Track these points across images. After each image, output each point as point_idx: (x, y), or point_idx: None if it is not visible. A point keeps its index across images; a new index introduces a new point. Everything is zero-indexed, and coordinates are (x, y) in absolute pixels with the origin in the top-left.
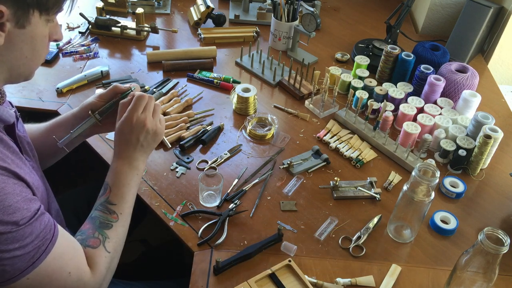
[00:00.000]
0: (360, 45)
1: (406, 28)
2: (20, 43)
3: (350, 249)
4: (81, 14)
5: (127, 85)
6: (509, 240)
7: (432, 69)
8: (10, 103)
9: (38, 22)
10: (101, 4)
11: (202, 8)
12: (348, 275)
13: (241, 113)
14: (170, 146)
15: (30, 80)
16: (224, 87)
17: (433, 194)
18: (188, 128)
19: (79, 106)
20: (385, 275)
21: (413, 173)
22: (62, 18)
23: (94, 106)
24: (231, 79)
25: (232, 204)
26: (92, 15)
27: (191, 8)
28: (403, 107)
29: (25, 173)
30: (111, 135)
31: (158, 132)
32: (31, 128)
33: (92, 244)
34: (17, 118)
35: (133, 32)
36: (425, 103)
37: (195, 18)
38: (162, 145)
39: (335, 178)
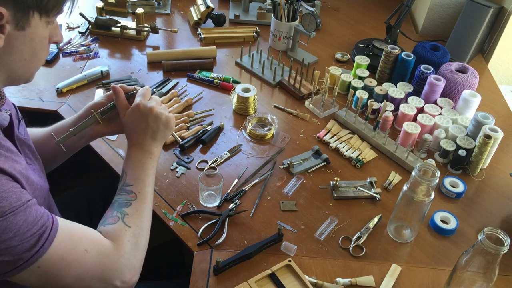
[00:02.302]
0: (360, 45)
1: (406, 28)
2: (20, 45)
3: (350, 249)
4: (81, 14)
5: (132, 87)
6: (509, 240)
7: (432, 69)
8: (14, 105)
9: (38, 24)
10: (101, 4)
11: (202, 8)
12: (348, 275)
13: (241, 113)
14: (180, 140)
15: None
16: (224, 87)
17: (433, 194)
18: (188, 128)
19: (84, 107)
20: (385, 275)
21: (413, 173)
22: (62, 18)
23: (99, 106)
24: (231, 79)
25: (232, 204)
26: (92, 15)
27: (191, 8)
28: (403, 107)
29: (16, 170)
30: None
31: (167, 118)
32: (36, 131)
33: (111, 222)
34: (19, 120)
35: (133, 32)
36: (425, 103)
37: (195, 18)
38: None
39: (335, 178)
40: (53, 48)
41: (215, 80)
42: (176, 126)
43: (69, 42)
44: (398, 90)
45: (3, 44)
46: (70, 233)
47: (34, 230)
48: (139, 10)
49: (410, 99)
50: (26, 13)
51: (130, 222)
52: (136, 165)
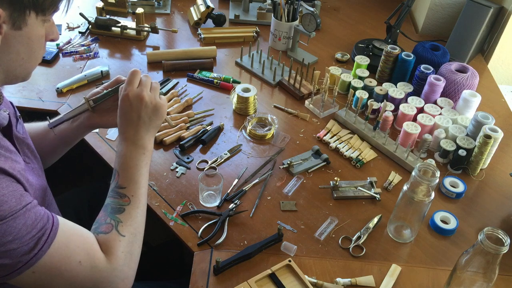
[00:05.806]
0: (360, 45)
1: (406, 28)
2: (17, 45)
3: (350, 249)
4: (81, 14)
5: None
6: (509, 240)
7: (432, 69)
8: (11, 103)
9: (34, 23)
10: (101, 4)
11: (202, 8)
12: (348, 275)
13: (241, 113)
14: (173, 124)
15: (29, 80)
16: (224, 87)
17: (433, 194)
18: (188, 128)
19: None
20: (385, 275)
21: (413, 173)
22: (62, 18)
23: (94, 95)
24: (231, 79)
25: (232, 204)
26: (92, 15)
27: (191, 8)
28: (403, 107)
29: (16, 171)
30: (111, 135)
31: (158, 106)
32: (37, 125)
33: (104, 230)
34: (17, 119)
35: (133, 32)
36: (425, 103)
37: (195, 18)
38: (162, 145)
39: (335, 178)
40: (53, 48)
41: (215, 80)
42: (176, 126)
43: (69, 42)
44: (398, 90)
45: (0, 44)
46: (68, 239)
47: (33, 233)
48: (139, 10)
49: (410, 99)
50: (22, 12)
51: (124, 231)
52: (129, 164)
